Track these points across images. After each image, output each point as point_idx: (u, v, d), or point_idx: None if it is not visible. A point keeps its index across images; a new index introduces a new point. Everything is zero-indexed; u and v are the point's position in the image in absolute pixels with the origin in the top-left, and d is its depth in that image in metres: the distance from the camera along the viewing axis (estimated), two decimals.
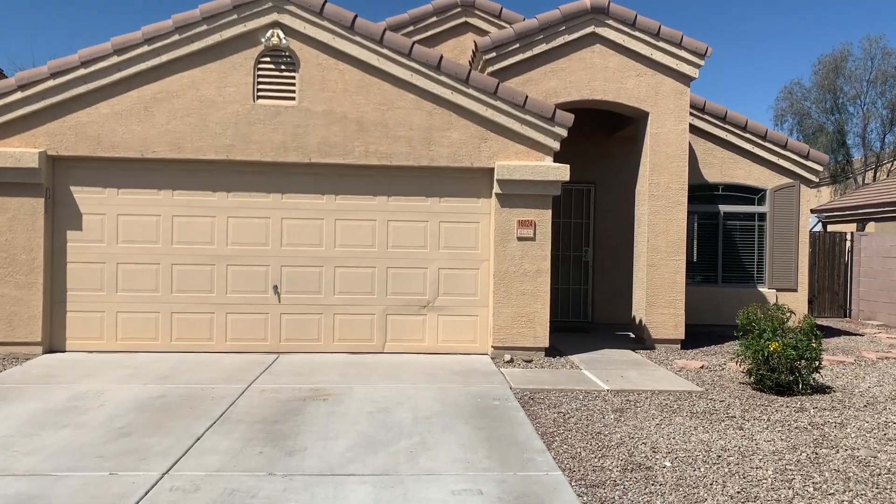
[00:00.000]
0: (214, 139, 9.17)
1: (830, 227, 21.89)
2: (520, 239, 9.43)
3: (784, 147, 12.66)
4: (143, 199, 9.32)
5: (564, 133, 9.40)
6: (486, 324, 9.61)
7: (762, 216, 12.81)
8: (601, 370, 8.84)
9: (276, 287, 9.41)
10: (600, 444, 6.02)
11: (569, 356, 9.72)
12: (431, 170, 9.49)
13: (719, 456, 5.77)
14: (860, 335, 13.71)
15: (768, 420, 6.89)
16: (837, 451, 5.97)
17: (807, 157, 12.74)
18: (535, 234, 9.42)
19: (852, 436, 6.45)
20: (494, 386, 7.84)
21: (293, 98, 9.25)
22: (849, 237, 17.03)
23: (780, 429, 6.60)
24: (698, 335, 11.75)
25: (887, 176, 34.74)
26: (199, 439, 5.80)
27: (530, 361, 9.24)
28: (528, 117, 9.29)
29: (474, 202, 9.60)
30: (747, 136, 12.59)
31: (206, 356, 9.16)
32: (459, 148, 9.36)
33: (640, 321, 10.92)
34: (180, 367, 8.54)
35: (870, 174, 35.87)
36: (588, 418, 6.79)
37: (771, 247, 12.75)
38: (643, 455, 5.75)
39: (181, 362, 8.79)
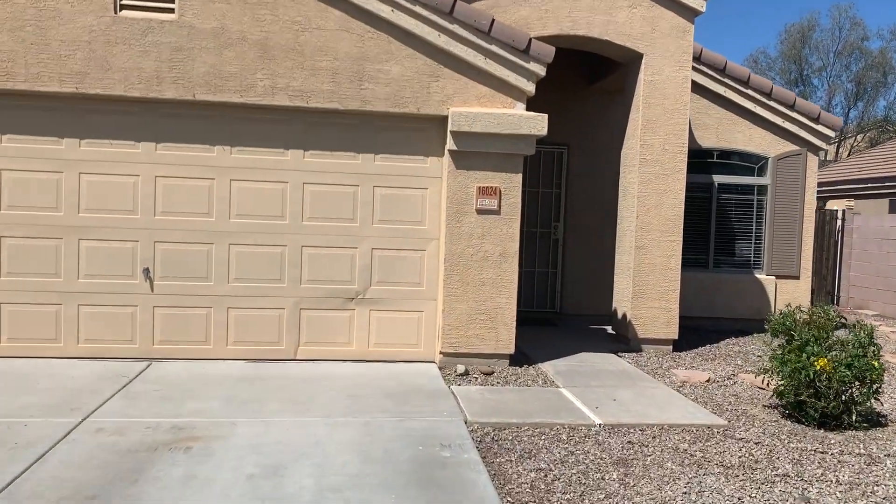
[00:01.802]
0: (59, 64, 6.55)
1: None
2: (480, 212, 7.11)
3: (791, 107, 10.59)
4: None
5: (542, 71, 7.06)
6: (433, 322, 7.30)
7: (762, 189, 10.77)
8: (584, 388, 6.63)
9: (146, 270, 6.90)
10: None
11: (539, 364, 7.50)
12: (363, 116, 7.07)
13: None
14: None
15: (836, 481, 4.78)
16: None
17: (817, 121, 10.70)
18: (499, 205, 7.11)
19: None
20: (443, 420, 5.55)
21: (171, 10, 6.67)
22: (839, 216, 15.23)
23: (862, 500, 4.49)
24: (687, 331, 9.69)
25: (849, 154, 33.55)
26: None
27: (491, 374, 6.98)
28: (494, 48, 6.91)
29: (421, 162, 7.22)
30: (749, 92, 10.47)
31: (47, 364, 6.64)
32: (402, 87, 6.95)
33: (625, 316, 8.77)
34: None
35: (832, 150, 34.64)
36: (581, 481, 4.56)
37: (771, 226, 10.73)
38: None
39: (2, 375, 6.26)
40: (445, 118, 7.01)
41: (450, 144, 7.00)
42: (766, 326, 7.06)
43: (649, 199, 8.62)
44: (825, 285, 15.25)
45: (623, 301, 8.87)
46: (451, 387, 6.49)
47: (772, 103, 10.53)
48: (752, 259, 10.84)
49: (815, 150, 10.85)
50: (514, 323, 7.23)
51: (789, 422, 6.08)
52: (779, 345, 6.62)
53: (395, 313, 7.25)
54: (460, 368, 6.93)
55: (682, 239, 8.73)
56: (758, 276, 10.74)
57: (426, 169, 7.23)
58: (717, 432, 5.66)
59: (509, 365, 7.29)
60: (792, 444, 5.47)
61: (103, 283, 6.86)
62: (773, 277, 10.72)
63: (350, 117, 7.06)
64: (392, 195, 7.19)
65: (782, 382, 6.17)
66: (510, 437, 5.30)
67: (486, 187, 7.09)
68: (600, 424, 5.64)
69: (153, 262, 6.90)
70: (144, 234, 6.88)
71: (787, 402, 6.19)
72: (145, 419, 5.29)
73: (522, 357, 7.64)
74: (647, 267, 8.64)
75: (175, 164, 6.89)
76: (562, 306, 10.65)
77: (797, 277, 10.82)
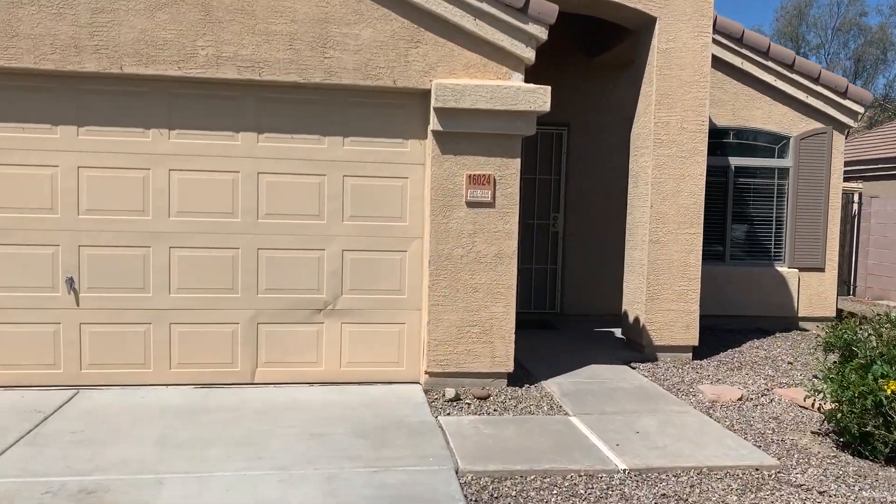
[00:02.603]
0: None
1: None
2: (471, 204, 5.96)
3: (815, 81, 9.46)
4: None
5: (544, 34, 5.89)
6: (417, 337, 6.17)
7: (783, 172, 9.66)
8: (599, 416, 5.52)
9: (70, 280, 5.72)
10: None
11: (542, 382, 6.39)
12: (329, 91, 5.90)
13: None
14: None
15: None
16: None
17: (844, 95, 9.58)
18: (493, 196, 5.97)
19: None
20: (429, 469, 4.42)
21: None
22: (856, 199, 14.18)
23: None
24: (703, 332, 8.55)
25: (847, 135, 32.61)
26: None
27: (486, 398, 5.85)
28: (485, 6, 5.73)
29: (399, 146, 6.06)
30: (769, 64, 9.33)
31: None
32: (375, 55, 5.77)
33: (637, 320, 7.66)
34: None
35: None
36: None
37: (793, 213, 9.63)
38: None
39: None
40: (428, 92, 5.84)
41: (433, 124, 5.84)
42: (804, 326, 5.89)
43: (665, 186, 7.49)
44: (841, 274, 14.21)
45: (635, 303, 7.76)
46: (439, 417, 5.36)
47: (794, 76, 9.40)
48: (773, 250, 9.75)
49: (842, 127, 9.75)
50: (513, 335, 6.10)
51: (850, 456, 5.00)
52: (833, 362, 5.53)
53: (372, 326, 6.11)
54: (450, 392, 5.80)
55: (702, 231, 7.62)
56: (779, 268, 9.66)
57: (406, 154, 6.06)
58: (770, 476, 4.56)
59: (507, 385, 6.17)
60: (864, 493, 4.38)
61: (17, 296, 5.68)
62: (796, 270, 9.64)
63: (312, 92, 5.88)
64: (365, 186, 6.02)
65: (840, 408, 5.08)
66: (513, 493, 4.18)
67: (477, 175, 5.94)
68: (625, 470, 4.53)
69: (78, 271, 5.72)
70: (66, 236, 5.69)
71: (841, 426, 5.11)
72: (48, 477, 4.13)
73: (522, 374, 6.53)
74: (662, 264, 7.53)
75: (102, 152, 5.69)
76: (563, 306, 9.53)
77: (822, 269, 9.75)
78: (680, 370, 7.19)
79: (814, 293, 9.70)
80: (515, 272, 6.07)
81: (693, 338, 7.62)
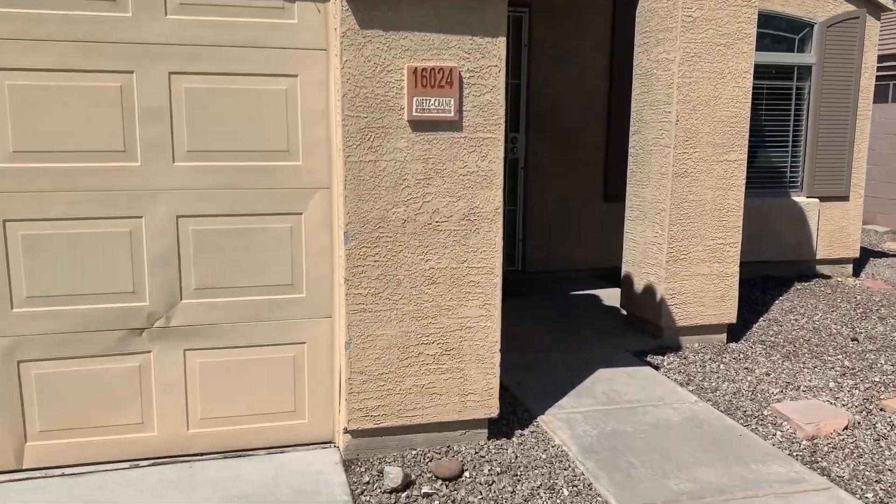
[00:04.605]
0: None
1: None
2: (419, 125, 3.21)
3: None
4: None
5: None
6: (327, 365, 3.46)
7: (804, 73, 7.28)
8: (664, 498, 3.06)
9: None
10: None
11: (540, 419, 3.87)
12: None
13: None
14: (882, 254, 8.99)
15: None
16: None
17: None
18: (459, 108, 3.23)
19: None
20: None
21: None
22: None
23: None
24: None
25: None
26: None
27: (455, 478, 3.26)
28: None
29: (278, 14, 3.18)
30: None
31: None
32: None
33: (650, 290, 5.22)
34: None
35: None
36: None
37: (815, 125, 7.33)
38: None
39: None
40: None
41: None
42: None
43: (698, 90, 4.94)
44: None
45: (645, 264, 5.30)
46: None
47: None
48: (789, 174, 7.47)
49: (878, 9, 7.40)
50: (499, 355, 3.50)
51: None
52: None
53: (243, 352, 3.36)
54: (391, 475, 3.16)
55: (746, 158, 5.15)
56: (796, 198, 7.40)
57: (292, 31, 3.20)
58: None
59: (489, 437, 3.61)
60: None
61: None
62: (816, 200, 7.41)
63: None
64: (217, 93, 3.15)
65: None
66: None
67: (429, 70, 3.17)
68: None
69: None
70: None
71: None
72: None
73: (503, 400, 3.96)
74: (691, 207, 5.05)
75: None
76: (525, 262, 6.98)
77: (846, 198, 7.57)
78: (723, 366, 4.84)
79: (835, 228, 7.55)
80: (500, 246, 3.42)
81: (731, 313, 5.27)
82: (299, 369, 3.42)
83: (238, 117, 3.18)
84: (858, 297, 6.70)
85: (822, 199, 7.45)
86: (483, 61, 3.24)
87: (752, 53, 5.01)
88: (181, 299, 3.25)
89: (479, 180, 3.31)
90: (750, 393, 4.41)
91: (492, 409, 3.50)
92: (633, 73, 5.38)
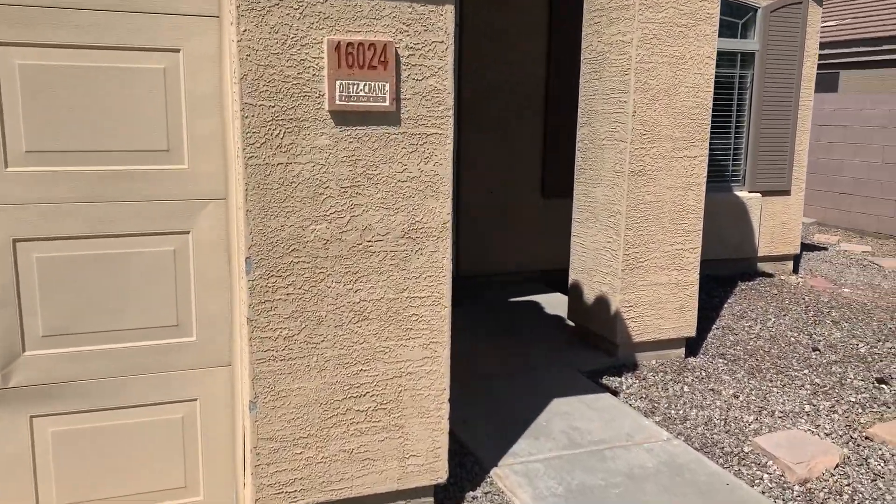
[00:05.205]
0: None
1: None
2: (343, 117, 2.46)
3: None
4: None
5: None
6: (227, 427, 2.68)
7: (747, 60, 6.89)
8: None
9: None
10: None
11: (494, 472, 3.21)
12: None
13: None
14: (814, 247, 8.84)
15: None
16: None
17: None
18: (395, 94, 2.50)
19: None
20: None
21: None
22: None
23: None
24: None
25: None
26: None
27: None
28: None
29: None
30: None
31: None
32: None
33: (603, 302, 4.64)
34: None
35: None
36: None
37: (757, 116, 6.97)
38: None
39: None
40: None
41: None
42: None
43: (657, 77, 4.36)
44: None
45: (597, 272, 4.72)
46: None
47: None
48: (731, 168, 7.08)
49: None
50: (447, 407, 2.80)
51: None
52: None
53: (114, 415, 2.55)
54: None
55: (708, 153, 4.63)
56: (738, 192, 7.03)
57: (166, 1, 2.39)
58: None
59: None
60: None
61: None
62: (758, 194, 7.06)
63: None
64: (68, 73, 2.31)
65: None
66: None
67: (356, 45, 2.42)
68: None
69: None
70: None
71: None
72: None
73: (453, 456, 3.27)
74: (649, 208, 4.49)
75: None
76: (458, 266, 6.31)
77: (787, 192, 7.25)
78: (686, 388, 4.31)
79: (777, 224, 7.23)
80: (449, 269, 2.72)
81: (690, 325, 4.76)
82: (190, 433, 2.63)
83: (98, 106, 2.35)
84: (807, 299, 6.36)
85: (765, 193, 7.11)
86: (426, 35, 2.52)
87: (714, 36, 4.48)
88: (24, 350, 2.40)
89: (422, 188, 2.60)
90: (723, 423, 3.88)
91: (439, 473, 2.81)
92: (582, 58, 4.77)
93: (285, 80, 2.38)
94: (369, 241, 2.56)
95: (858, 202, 10.20)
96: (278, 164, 2.41)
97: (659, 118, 4.41)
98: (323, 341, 2.56)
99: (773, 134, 7.03)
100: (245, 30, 2.33)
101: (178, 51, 2.42)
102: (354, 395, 2.63)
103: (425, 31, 2.52)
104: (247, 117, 2.36)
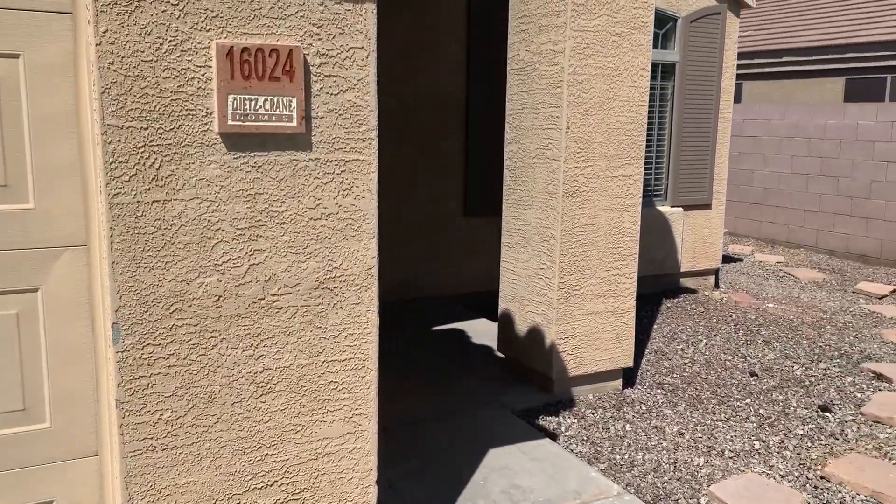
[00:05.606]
0: None
1: None
2: (238, 141, 1.95)
3: None
4: None
5: None
6: None
7: (668, 71, 6.73)
8: None
9: None
10: None
11: None
12: None
13: None
14: (729, 258, 8.85)
15: None
16: None
17: None
18: (305, 113, 2.01)
19: None
20: None
21: None
22: None
23: None
24: None
25: None
26: None
27: None
28: None
29: None
30: None
31: None
32: None
33: (537, 334, 4.26)
34: None
35: None
36: None
37: (678, 129, 6.81)
38: None
39: None
40: None
41: None
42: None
43: (591, 90, 4.02)
44: None
45: (530, 301, 4.33)
46: None
47: None
48: (653, 182, 6.88)
49: (738, 6, 7.00)
50: (375, 491, 2.32)
51: None
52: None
53: None
54: None
55: (643, 171, 4.32)
56: (661, 207, 6.84)
57: None
58: None
59: None
60: None
61: None
62: (680, 209, 6.90)
63: None
64: None
65: None
66: None
67: (254, 51, 1.92)
68: None
69: None
70: None
71: None
72: None
73: None
74: (584, 232, 4.14)
75: None
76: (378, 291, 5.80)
77: (708, 206, 7.12)
78: (629, 425, 3.98)
79: (699, 238, 7.09)
80: (375, 324, 2.24)
81: (627, 355, 4.43)
82: None
83: None
84: (734, 316, 6.21)
85: (686, 207, 6.95)
86: (342, 40, 2.04)
87: (649, 46, 4.18)
88: None
89: (340, 226, 2.11)
90: (672, 467, 3.55)
91: None
92: (508, 68, 4.38)
93: (161, 94, 1.85)
94: (274, 295, 2.06)
95: (769, 212, 10.31)
96: (153, 201, 1.88)
97: (593, 134, 4.07)
98: (217, 423, 2.03)
99: (694, 147, 6.89)
100: (106, 30, 1.79)
101: (16, 56, 1.85)
102: (259, 486, 2.11)
103: (341, 34, 2.04)
104: (110, 143, 1.82)
